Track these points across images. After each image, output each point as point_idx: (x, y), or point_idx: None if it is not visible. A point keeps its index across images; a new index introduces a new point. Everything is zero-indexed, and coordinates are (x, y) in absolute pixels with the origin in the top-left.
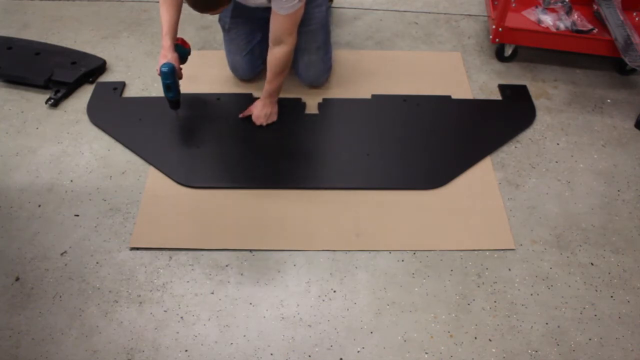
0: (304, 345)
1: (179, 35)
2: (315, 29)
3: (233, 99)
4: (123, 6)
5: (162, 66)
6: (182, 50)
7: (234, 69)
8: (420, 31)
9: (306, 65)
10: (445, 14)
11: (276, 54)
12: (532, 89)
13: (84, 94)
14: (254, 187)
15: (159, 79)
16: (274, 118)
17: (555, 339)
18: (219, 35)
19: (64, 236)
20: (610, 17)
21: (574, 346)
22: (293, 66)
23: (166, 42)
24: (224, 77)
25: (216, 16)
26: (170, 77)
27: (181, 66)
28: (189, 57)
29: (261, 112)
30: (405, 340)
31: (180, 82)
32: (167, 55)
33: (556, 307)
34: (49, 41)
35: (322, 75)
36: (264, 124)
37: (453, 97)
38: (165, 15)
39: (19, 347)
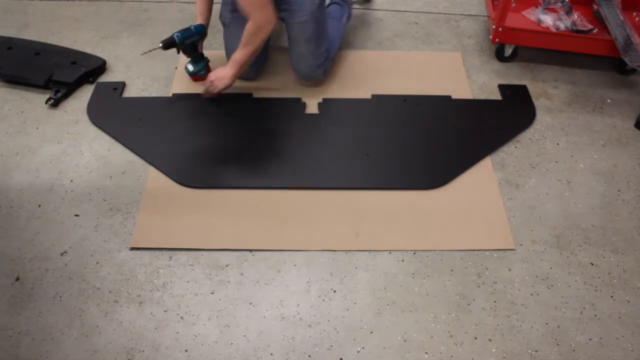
0: (304, 345)
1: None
2: (305, 21)
3: (233, 98)
4: (123, 6)
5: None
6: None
7: None
8: (420, 31)
9: (296, 57)
10: (445, 14)
11: (247, 27)
12: (532, 89)
13: (84, 94)
14: (254, 187)
15: (159, 79)
16: (226, 82)
17: (555, 339)
18: (219, 35)
19: (64, 236)
20: (610, 17)
21: (574, 346)
22: (289, 56)
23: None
24: None
25: (216, 15)
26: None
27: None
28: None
29: (217, 74)
30: (405, 340)
31: (181, 82)
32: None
33: (556, 307)
34: (49, 41)
35: (314, 70)
36: (215, 90)
37: (453, 97)
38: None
39: (19, 347)
